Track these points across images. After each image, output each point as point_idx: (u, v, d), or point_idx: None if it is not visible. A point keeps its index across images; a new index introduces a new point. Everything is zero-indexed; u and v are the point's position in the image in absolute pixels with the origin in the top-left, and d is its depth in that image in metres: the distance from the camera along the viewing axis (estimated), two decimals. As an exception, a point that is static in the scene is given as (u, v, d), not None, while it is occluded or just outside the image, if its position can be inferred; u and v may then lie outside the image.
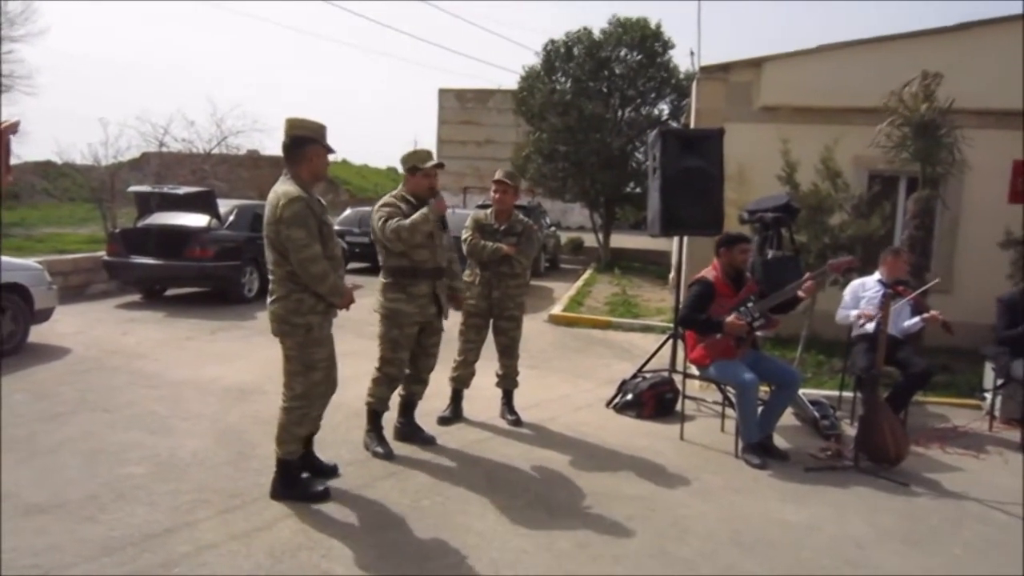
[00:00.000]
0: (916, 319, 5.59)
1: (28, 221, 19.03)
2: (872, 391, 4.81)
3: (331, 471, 4.16)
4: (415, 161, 4.54)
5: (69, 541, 3.24)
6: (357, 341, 7.28)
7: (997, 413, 5.89)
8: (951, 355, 7.28)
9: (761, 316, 4.90)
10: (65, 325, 7.82)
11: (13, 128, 1.25)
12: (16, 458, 4.14)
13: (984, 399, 6.19)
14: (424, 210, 4.34)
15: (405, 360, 4.61)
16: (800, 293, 4.92)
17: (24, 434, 4.54)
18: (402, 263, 4.48)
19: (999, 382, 5.83)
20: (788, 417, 5.49)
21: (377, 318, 4.59)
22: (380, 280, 4.61)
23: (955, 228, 8.95)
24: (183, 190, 10.60)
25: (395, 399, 4.74)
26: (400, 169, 4.70)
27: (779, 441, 5.08)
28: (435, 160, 4.59)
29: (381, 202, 4.59)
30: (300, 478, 3.88)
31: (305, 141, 3.77)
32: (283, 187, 3.69)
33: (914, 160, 7.14)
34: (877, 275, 5.78)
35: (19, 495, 3.65)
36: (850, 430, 5.37)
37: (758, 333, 5.17)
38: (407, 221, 4.33)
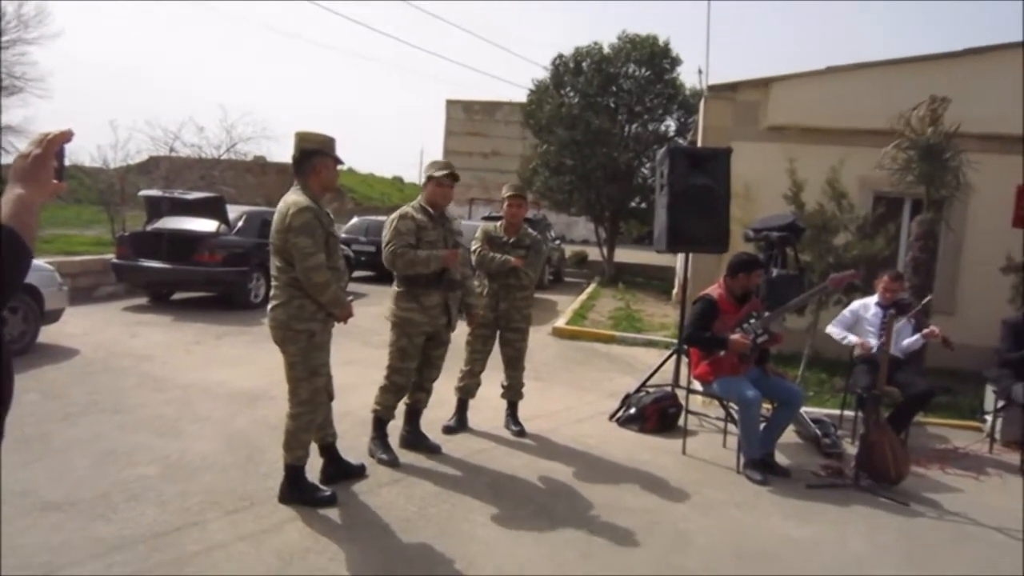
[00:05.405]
0: (916, 336, 5.64)
1: (36, 222, 19.09)
2: (873, 411, 4.86)
3: (359, 471, 4.30)
4: (431, 170, 4.63)
5: (82, 539, 3.29)
6: (363, 349, 7.36)
7: (998, 435, 5.93)
8: (953, 377, 7.33)
9: (764, 332, 4.96)
10: (73, 326, 7.89)
11: (67, 137, 1.33)
12: (31, 456, 4.20)
13: (985, 421, 6.23)
14: (430, 254, 4.40)
15: (412, 369, 4.66)
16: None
17: (37, 433, 4.61)
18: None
19: (1000, 404, 5.88)
20: (790, 434, 5.53)
21: (386, 326, 4.65)
22: (393, 288, 4.64)
23: (959, 251, 9.02)
24: (193, 195, 10.69)
25: (401, 407, 4.80)
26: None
27: (780, 458, 5.13)
28: (448, 171, 4.61)
29: (399, 213, 4.57)
30: (308, 483, 3.93)
31: (313, 154, 3.85)
32: (293, 197, 3.78)
33: (919, 183, 7.21)
34: (877, 297, 5.84)
35: (35, 492, 3.72)
36: (851, 449, 5.41)
37: (772, 350, 5.25)
38: (410, 255, 4.38)
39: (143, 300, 10.51)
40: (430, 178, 4.60)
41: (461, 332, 5.30)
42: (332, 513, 3.78)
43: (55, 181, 1.32)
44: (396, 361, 4.60)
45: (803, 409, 5.51)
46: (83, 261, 10.85)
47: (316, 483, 4.00)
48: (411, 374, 4.66)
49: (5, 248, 1.22)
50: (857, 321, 5.79)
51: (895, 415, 5.31)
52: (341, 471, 4.21)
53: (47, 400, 5.37)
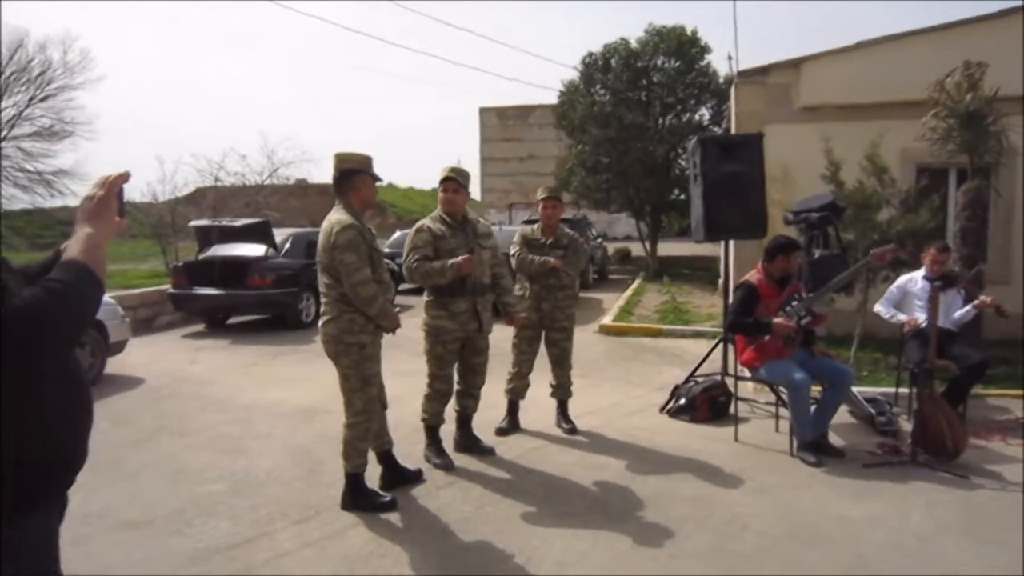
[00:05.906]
0: (968, 307, 5.54)
1: (95, 259, 19.78)
2: (926, 385, 4.80)
3: (416, 476, 4.44)
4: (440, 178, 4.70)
5: (161, 553, 3.49)
6: (412, 360, 7.48)
7: (1061, 403, 5.78)
8: (1010, 347, 7.15)
9: (808, 313, 4.95)
10: (136, 356, 8.23)
11: (125, 178, 1.47)
12: (106, 480, 4.43)
13: (1047, 389, 6.07)
14: (444, 263, 4.41)
15: (452, 374, 4.76)
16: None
17: (111, 458, 4.84)
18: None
19: (1061, 371, 5.73)
20: (844, 415, 5.49)
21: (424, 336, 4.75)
22: (424, 298, 4.75)
23: (1010, 217, 8.79)
24: (240, 222, 11.04)
25: (452, 413, 4.91)
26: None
27: (835, 439, 5.09)
28: (446, 174, 4.64)
29: (415, 227, 4.64)
30: (368, 489, 4.07)
31: (353, 173, 4.01)
32: (336, 215, 3.93)
33: (961, 151, 7.07)
34: (924, 270, 5.76)
35: (114, 513, 3.94)
36: (907, 426, 5.34)
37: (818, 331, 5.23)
38: (425, 267, 4.45)
39: (200, 326, 10.89)
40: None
41: (507, 335, 5.41)
42: (393, 517, 3.92)
43: (118, 219, 1.46)
44: (435, 368, 4.70)
45: (857, 389, 5.46)
46: (141, 293, 11.27)
47: (376, 489, 4.14)
48: (451, 379, 4.76)
49: (82, 283, 1.35)
50: (904, 296, 5.72)
51: (951, 388, 5.22)
52: (399, 477, 4.34)
53: (117, 427, 5.64)
